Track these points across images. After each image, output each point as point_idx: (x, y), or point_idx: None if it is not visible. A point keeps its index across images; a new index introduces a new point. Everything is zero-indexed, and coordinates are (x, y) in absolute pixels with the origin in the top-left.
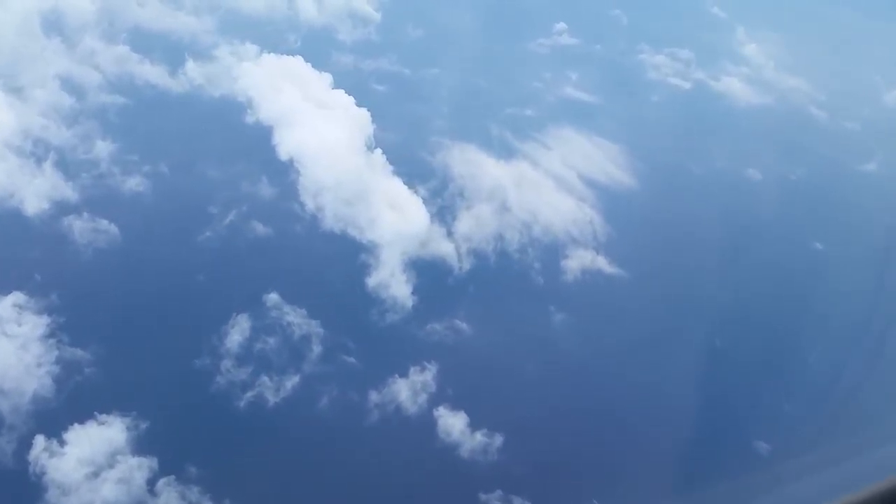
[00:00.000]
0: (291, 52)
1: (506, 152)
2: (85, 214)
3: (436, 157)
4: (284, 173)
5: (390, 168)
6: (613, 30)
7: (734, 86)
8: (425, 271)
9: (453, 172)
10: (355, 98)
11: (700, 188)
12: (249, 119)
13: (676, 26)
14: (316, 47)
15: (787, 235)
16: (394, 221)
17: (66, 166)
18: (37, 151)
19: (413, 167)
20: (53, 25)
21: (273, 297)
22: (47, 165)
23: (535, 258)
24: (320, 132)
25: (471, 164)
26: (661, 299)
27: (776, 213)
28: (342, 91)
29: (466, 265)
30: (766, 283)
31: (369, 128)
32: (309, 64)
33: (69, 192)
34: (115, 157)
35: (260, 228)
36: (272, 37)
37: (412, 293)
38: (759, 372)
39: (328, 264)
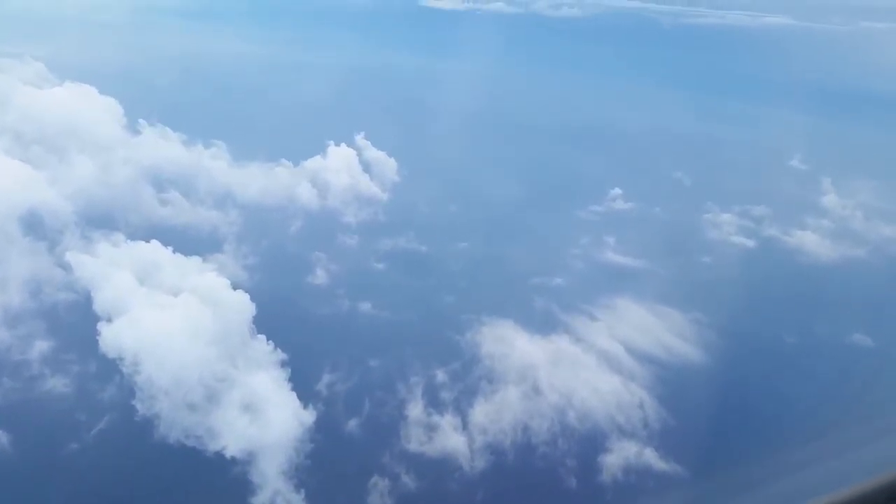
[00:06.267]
0: (291, 240)
1: (546, 326)
2: None
3: (464, 337)
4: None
5: (279, 357)
6: (674, 191)
7: (808, 239)
8: (427, 472)
9: (481, 352)
10: (352, 279)
11: (796, 360)
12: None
13: (750, 183)
14: (317, 231)
15: None
16: (249, 428)
17: None
18: None
19: (434, 349)
20: (31, 227)
21: None
22: None
23: (565, 453)
24: (168, 324)
25: (503, 341)
26: None
27: None
28: (214, 273)
29: (480, 463)
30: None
31: (249, 312)
32: (170, 248)
33: None
34: (48, 358)
35: (117, 441)
36: (272, 226)
37: None
38: None
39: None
